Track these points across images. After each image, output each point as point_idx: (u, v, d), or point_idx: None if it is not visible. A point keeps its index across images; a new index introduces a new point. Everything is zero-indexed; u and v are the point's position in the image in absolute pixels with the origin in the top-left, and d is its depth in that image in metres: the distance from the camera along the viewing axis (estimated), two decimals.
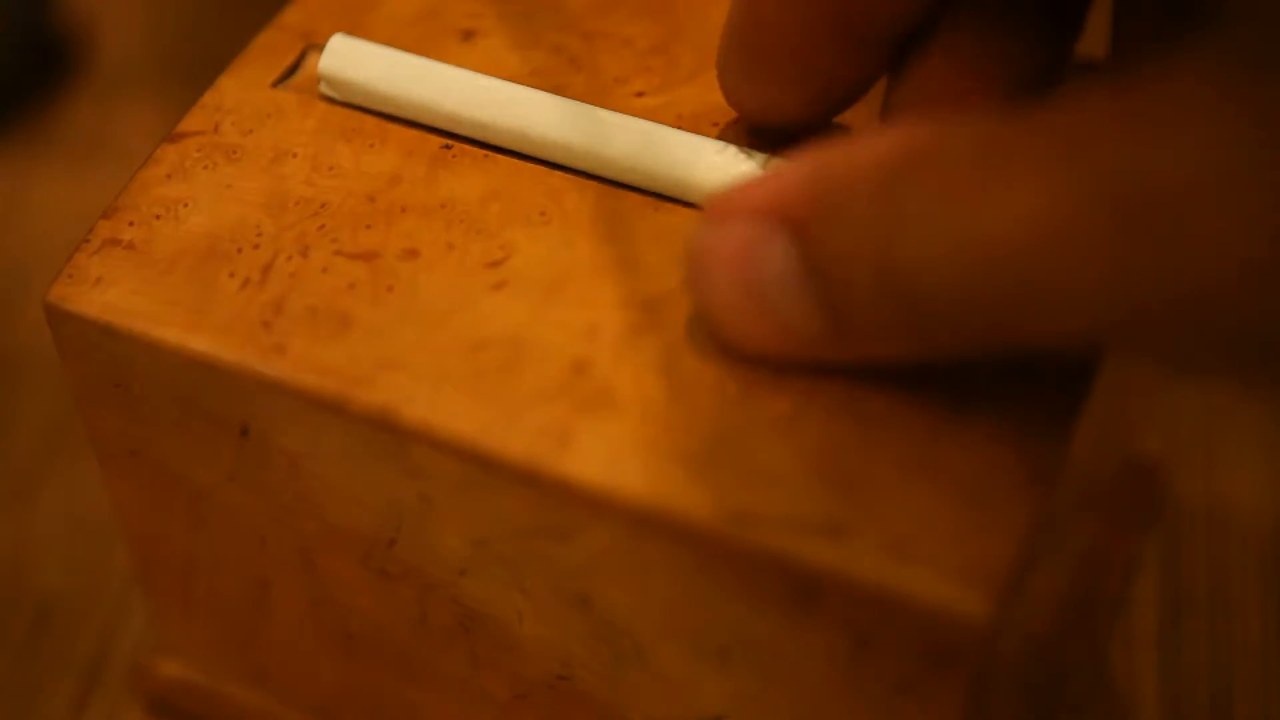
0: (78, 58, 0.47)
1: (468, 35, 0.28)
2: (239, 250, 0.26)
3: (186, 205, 0.26)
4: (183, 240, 0.26)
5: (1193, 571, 0.35)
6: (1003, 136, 0.20)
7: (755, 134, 0.26)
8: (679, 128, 0.26)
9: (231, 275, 0.26)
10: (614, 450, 0.23)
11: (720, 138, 0.26)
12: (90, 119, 0.46)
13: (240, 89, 0.28)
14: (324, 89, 0.27)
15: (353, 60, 0.27)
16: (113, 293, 0.26)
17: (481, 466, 0.24)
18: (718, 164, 0.25)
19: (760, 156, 0.25)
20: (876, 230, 0.21)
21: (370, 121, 0.27)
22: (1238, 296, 0.19)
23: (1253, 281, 0.19)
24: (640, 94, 0.27)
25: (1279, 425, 0.37)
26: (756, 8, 0.24)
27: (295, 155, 0.27)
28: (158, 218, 0.26)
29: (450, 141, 0.27)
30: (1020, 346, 0.21)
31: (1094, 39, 0.25)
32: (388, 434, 0.24)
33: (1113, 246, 0.19)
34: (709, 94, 0.27)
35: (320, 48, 0.28)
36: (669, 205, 0.26)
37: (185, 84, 0.46)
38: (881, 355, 0.22)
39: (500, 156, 0.27)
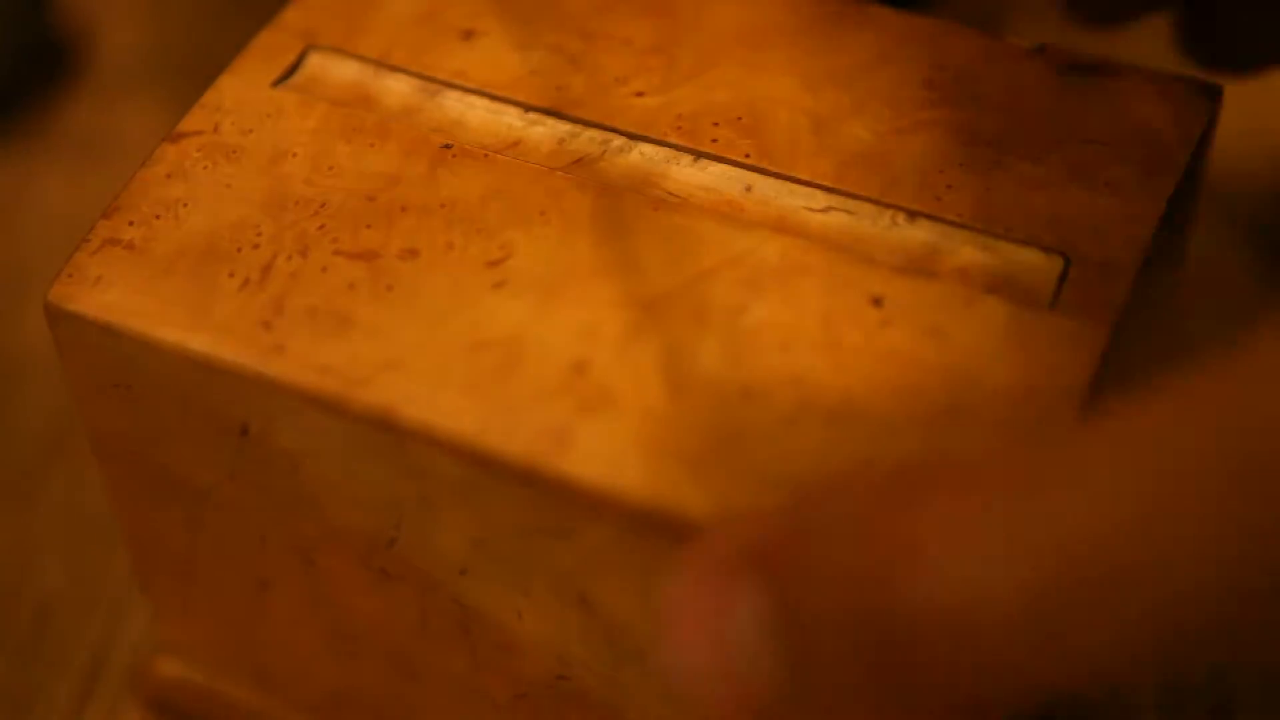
0: (78, 58, 0.47)
1: (467, 35, 0.28)
2: (239, 250, 0.26)
3: (186, 205, 0.26)
4: (182, 240, 0.26)
5: None
6: (1043, 453, 0.18)
7: (754, 132, 0.26)
8: (679, 127, 0.26)
9: (231, 275, 0.26)
10: (614, 450, 0.23)
11: (718, 139, 0.26)
12: (90, 119, 0.46)
13: (240, 89, 0.28)
14: None
15: None
16: (113, 292, 0.26)
17: (481, 466, 0.24)
18: None
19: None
20: (861, 575, 0.19)
21: (370, 120, 0.27)
22: None
23: None
24: (640, 94, 0.27)
25: None
26: None
27: (295, 155, 0.27)
28: (158, 217, 0.26)
29: (450, 141, 0.27)
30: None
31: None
32: (388, 434, 0.24)
33: (1245, 515, 0.17)
34: (709, 93, 0.27)
35: (320, 48, 0.28)
36: (669, 204, 0.26)
37: (185, 84, 0.46)
38: None
39: (500, 156, 0.27)
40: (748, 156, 0.26)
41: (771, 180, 0.26)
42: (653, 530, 0.23)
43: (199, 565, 0.29)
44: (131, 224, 0.26)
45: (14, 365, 0.40)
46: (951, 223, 0.25)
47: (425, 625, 0.27)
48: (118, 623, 0.35)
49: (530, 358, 0.24)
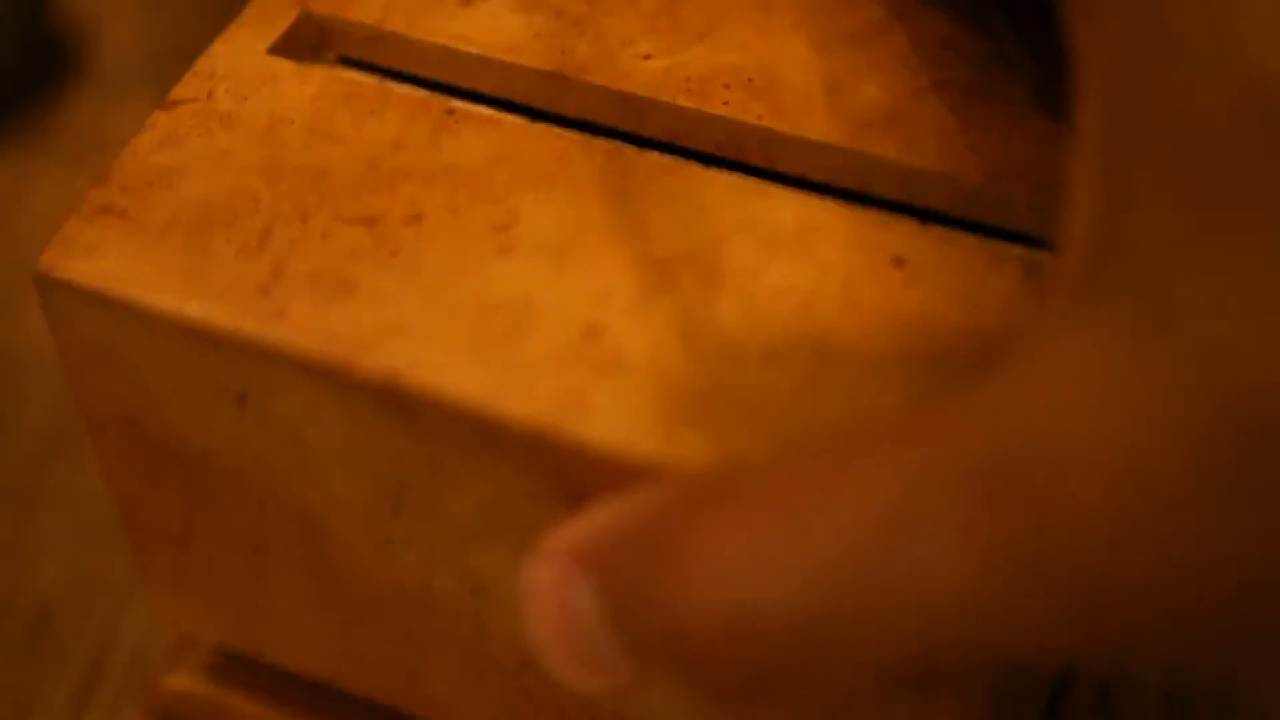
0: (78, 58, 0.47)
1: None
2: (235, 217, 0.25)
3: (181, 172, 0.26)
4: (177, 207, 0.25)
5: None
6: (817, 455, 0.20)
7: (766, 94, 0.26)
8: (688, 90, 0.26)
9: (228, 242, 0.25)
10: (628, 414, 0.23)
11: (729, 101, 0.26)
12: (90, 119, 0.45)
13: (234, 55, 0.27)
14: None
15: None
16: (106, 260, 0.25)
17: (491, 432, 0.23)
18: None
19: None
20: (662, 578, 0.20)
21: (370, 86, 0.26)
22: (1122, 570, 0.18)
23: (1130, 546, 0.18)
24: (647, 56, 0.26)
25: None
26: None
27: (293, 122, 0.26)
28: (150, 185, 0.26)
29: (453, 105, 0.26)
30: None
31: None
32: (394, 400, 0.23)
33: (984, 527, 0.18)
34: (719, 55, 0.26)
35: (316, 13, 0.27)
36: (679, 166, 0.25)
37: None
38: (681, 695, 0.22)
39: (505, 119, 0.26)
40: (760, 118, 0.26)
41: (785, 142, 0.25)
42: None
43: (196, 535, 0.28)
44: (124, 191, 0.26)
45: (14, 364, 0.39)
46: (973, 184, 0.25)
47: (431, 594, 0.26)
48: (118, 623, 0.35)
49: (540, 322, 0.23)
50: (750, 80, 0.26)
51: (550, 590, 0.21)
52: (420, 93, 0.26)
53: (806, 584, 0.19)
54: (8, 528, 0.36)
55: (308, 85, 0.26)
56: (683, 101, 0.26)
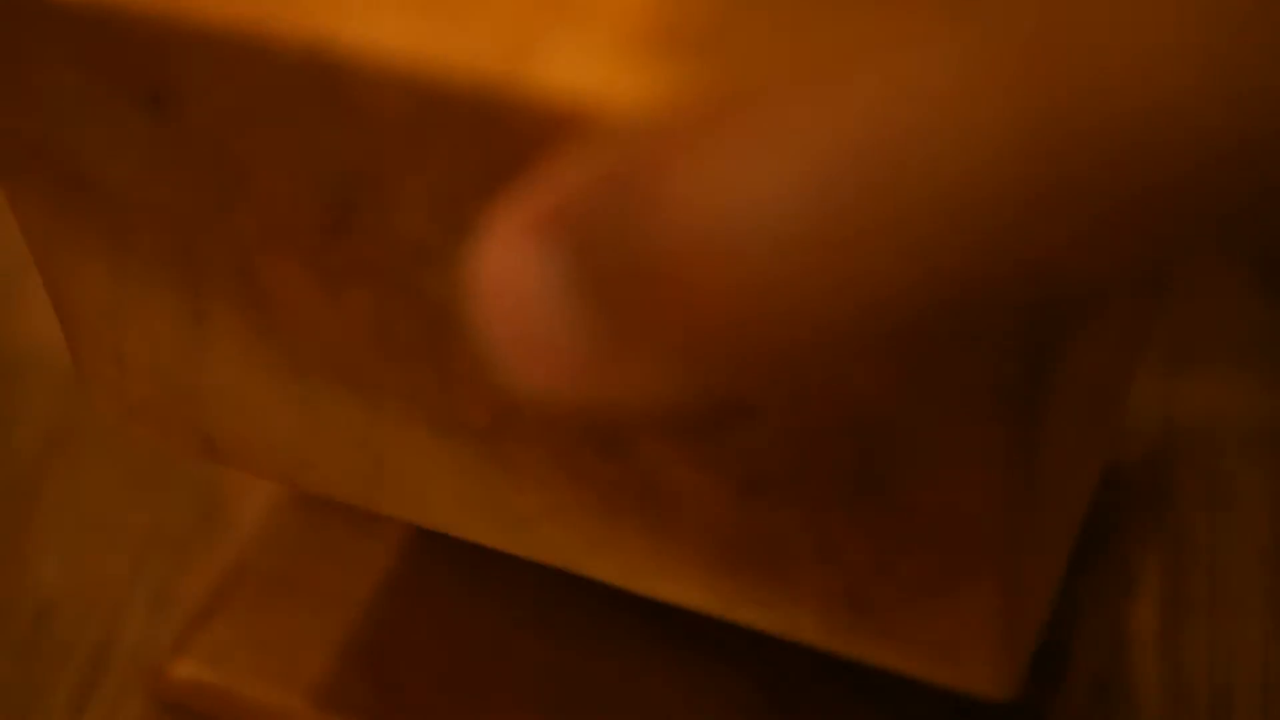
0: None
1: None
2: None
3: None
4: None
5: (1193, 571, 0.35)
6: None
7: None
8: None
9: None
10: (592, 53, 0.19)
11: None
12: None
13: None
14: None
15: None
16: None
17: (435, 95, 0.20)
18: None
19: None
20: (629, 214, 0.17)
21: None
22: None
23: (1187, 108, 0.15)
24: None
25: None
26: None
27: None
28: None
29: None
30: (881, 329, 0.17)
31: None
32: (319, 67, 0.20)
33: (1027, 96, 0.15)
34: None
35: None
36: None
37: None
38: (665, 390, 0.18)
39: None
40: None
41: None
42: None
43: (127, 306, 0.25)
44: None
45: (14, 365, 0.39)
46: None
47: (385, 338, 0.23)
48: (118, 623, 0.35)
49: None
50: None
51: (504, 271, 0.18)
52: None
53: (804, 181, 0.16)
54: (8, 527, 0.36)
55: None
56: None
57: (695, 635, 0.32)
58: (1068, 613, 0.32)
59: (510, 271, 0.18)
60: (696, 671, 0.31)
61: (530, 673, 0.31)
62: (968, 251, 0.16)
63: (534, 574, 0.32)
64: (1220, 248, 0.16)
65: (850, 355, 0.17)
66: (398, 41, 0.20)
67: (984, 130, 0.15)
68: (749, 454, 0.22)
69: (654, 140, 0.17)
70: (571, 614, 0.32)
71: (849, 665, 0.31)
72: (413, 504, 0.25)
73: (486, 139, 0.20)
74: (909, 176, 0.15)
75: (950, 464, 0.21)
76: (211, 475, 0.37)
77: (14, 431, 0.38)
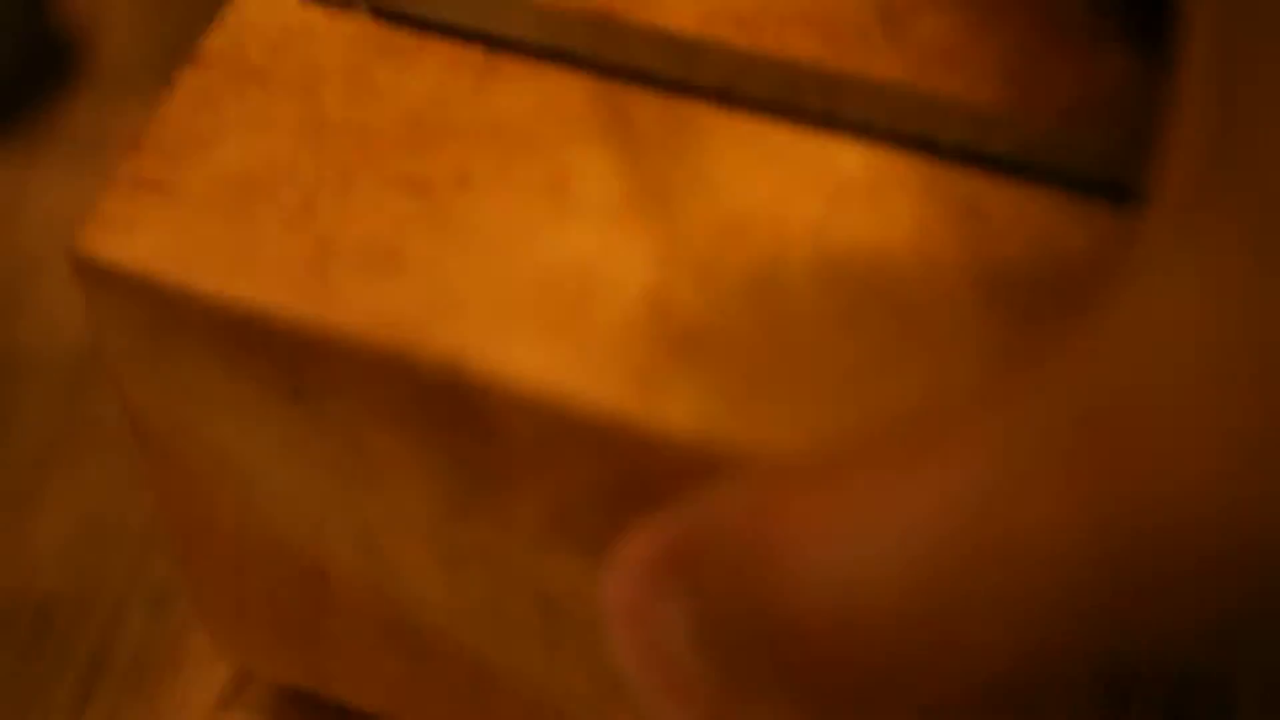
0: (78, 58, 0.46)
1: None
2: (277, 185, 0.24)
3: (214, 138, 0.24)
4: (216, 177, 0.24)
5: None
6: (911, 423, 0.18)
7: (821, 29, 0.24)
8: (740, 29, 0.24)
9: (271, 213, 0.23)
10: (702, 393, 0.21)
11: (782, 39, 0.24)
12: (90, 119, 0.45)
13: (264, 4, 0.26)
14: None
15: None
16: (147, 238, 0.23)
17: (561, 420, 0.22)
18: None
19: None
20: (757, 582, 0.18)
21: (406, 36, 0.25)
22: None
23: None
24: None
25: None
26: None
27: (329, 77, 0.25)
28: (185, 153, 0.24)
29: (493, 52, 0.25)
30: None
31: None
32: (453, 385, 0.22)
33: (1086, 484, 0.17)
34: None
35: None
36: (737, 116, 0.24)
37: None
38: None
39: (548, 68, 0.24)
40: (817, 57, 0.24)
41: (845, 82, 0.24)
42: None
43: (251, 559, 0.27)
44: (159, 162, 0.24)
45: (13, 365, 0.39)
46: (1046, 122, 0.23)
47: (498, 613, 0.25)
48: (118, 623, 0.34)
49: (603, 291, 0.22)
50: (802, 14, 0.24)
51: (634, 607, 0.19)
52: (457, 42, 0.25)
53: (912, 567, 0.17)
54: (8, 528, 0.36)
55: (341, 36, 0.25)
56: (735, 42, 0.24)
57: None
58: None
59: (637, 602, 0.19)
60: None
61: None
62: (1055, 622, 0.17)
63: None
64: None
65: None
66: (528, 367, 0.22)
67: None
68: None
69: (774, 493, 0.19)
70: None
71: None
72: None
73: (605, 461, 0.22)
74: (1015, 549, 0.17)
75: None
76: None
77: (14, 431, 0.38)
